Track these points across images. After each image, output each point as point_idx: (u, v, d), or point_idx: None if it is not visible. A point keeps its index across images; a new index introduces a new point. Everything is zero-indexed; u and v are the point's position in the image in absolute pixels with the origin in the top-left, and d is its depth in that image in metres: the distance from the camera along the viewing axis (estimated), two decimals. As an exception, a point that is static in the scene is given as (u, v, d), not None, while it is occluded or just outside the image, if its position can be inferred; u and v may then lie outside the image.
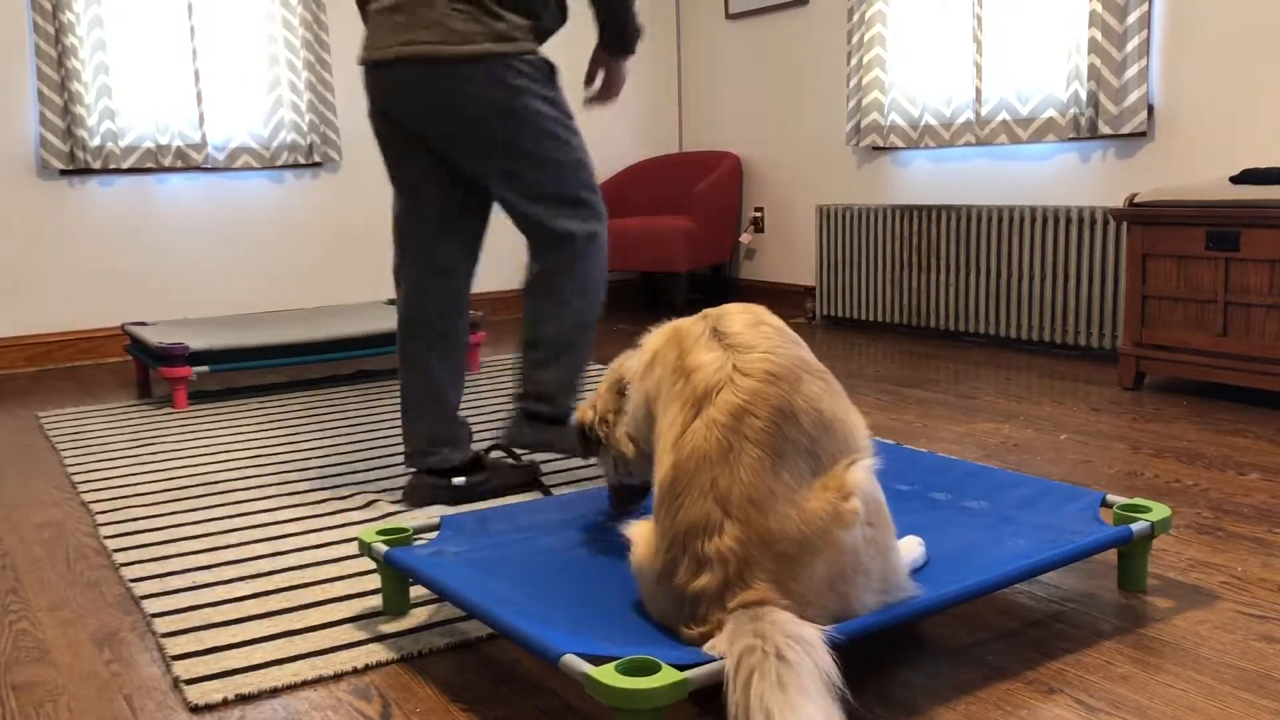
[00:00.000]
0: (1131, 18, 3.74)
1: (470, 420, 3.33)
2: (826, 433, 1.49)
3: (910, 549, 1.73)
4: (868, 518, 1.47)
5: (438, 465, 2.47)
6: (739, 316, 1.60)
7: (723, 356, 1.53)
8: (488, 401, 3.60)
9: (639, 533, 1.59)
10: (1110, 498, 1.94)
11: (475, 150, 2.36)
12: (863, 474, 1.49)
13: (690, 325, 1.64)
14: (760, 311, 1.64)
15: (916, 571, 1.71)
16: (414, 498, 2.48)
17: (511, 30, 2.31)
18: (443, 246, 2.48)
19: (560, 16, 2.45)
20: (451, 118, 2.33)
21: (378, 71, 2.36)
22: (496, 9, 2.30)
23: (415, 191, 2.46)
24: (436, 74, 2.28)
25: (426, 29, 2.27)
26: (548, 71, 2.40)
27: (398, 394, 3.77)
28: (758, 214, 5.54)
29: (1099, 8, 3.79)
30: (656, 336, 1.71)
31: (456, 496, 2.48)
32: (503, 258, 5.60)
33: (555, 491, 2.55)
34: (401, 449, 3.01)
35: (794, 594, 1.43)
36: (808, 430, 1.47)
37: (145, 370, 3.97)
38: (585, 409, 1.91)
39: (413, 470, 2.52)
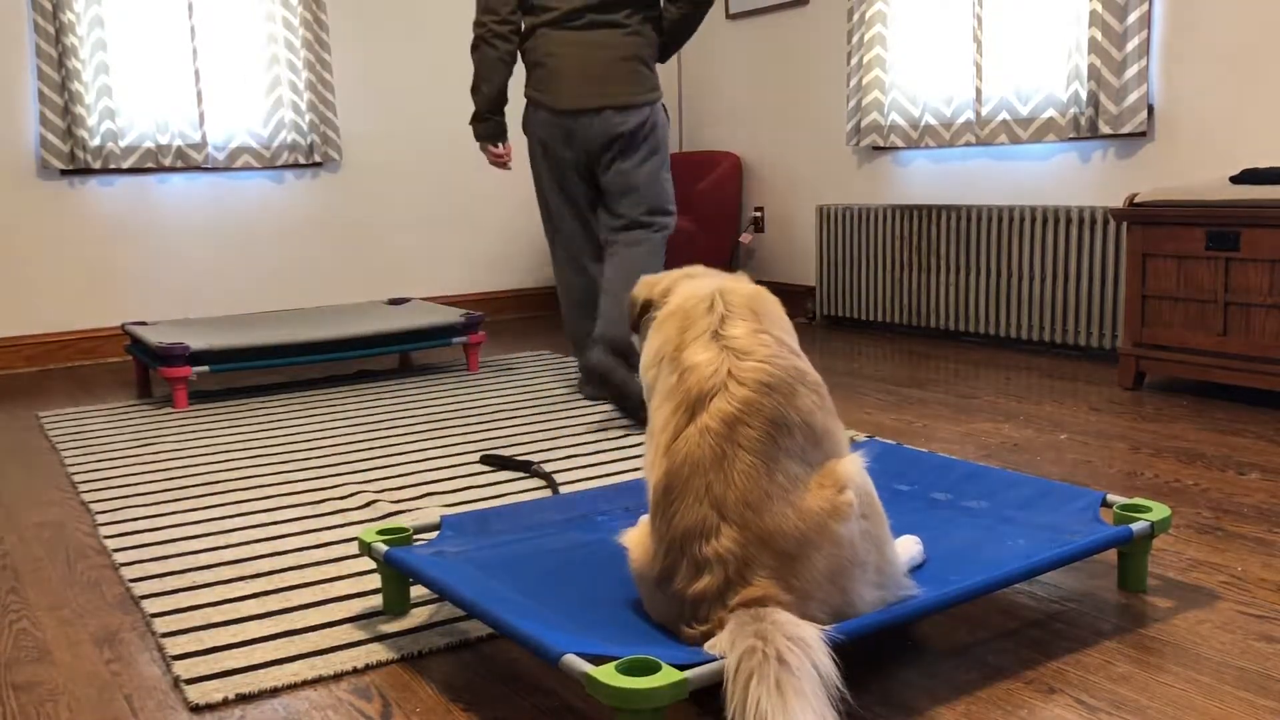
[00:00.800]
0: (1131, 18, 3.74)
1: (471, 420, 3.34)
2: (816, 447, 1.50)
3: (907, 548, 1.73)
4: (861, 510, 1.48)
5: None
6: (742, 323, 1.56)
7: (718, 358, 1.52)
8: (489, 401, 3.60)
9: (634, 539, 1.59)
10: (1110, 498, 1.94)
11: (627, 165, 3.33)
12: (854, 467, 1.51)
13: (697, 307, 1.60)
14: (767, 314, 1.62)
15: (915, 570, 1.71)
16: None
17: (657, 82, 3.37)
18: (587, 236, 3.50)
19: None
20: (623, 142, 3.31)
21: (572, 116, 3.31)
22: (652, 69, 3.35)
23: (573, 204, 3.46)
24: (624, 114, 3.29)
25: (616, 84, 3.28)
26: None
27: (398, 393, 3.78)
28: (758, 214, 5.54)
29: (1099, 8, 3.79)
30: (672, 290, 1.69)
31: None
32: (500, 260, 5.61)
33: (555, 491, 2.55)
34: (401, 449, 3.02)
35: (795, 590, 1.43)
36: (800, 442, 1.48)
37: (145, 370, 3.97)
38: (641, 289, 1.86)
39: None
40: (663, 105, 3.41)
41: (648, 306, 1.78)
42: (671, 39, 3.42)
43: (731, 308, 1.60)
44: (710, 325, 1.57)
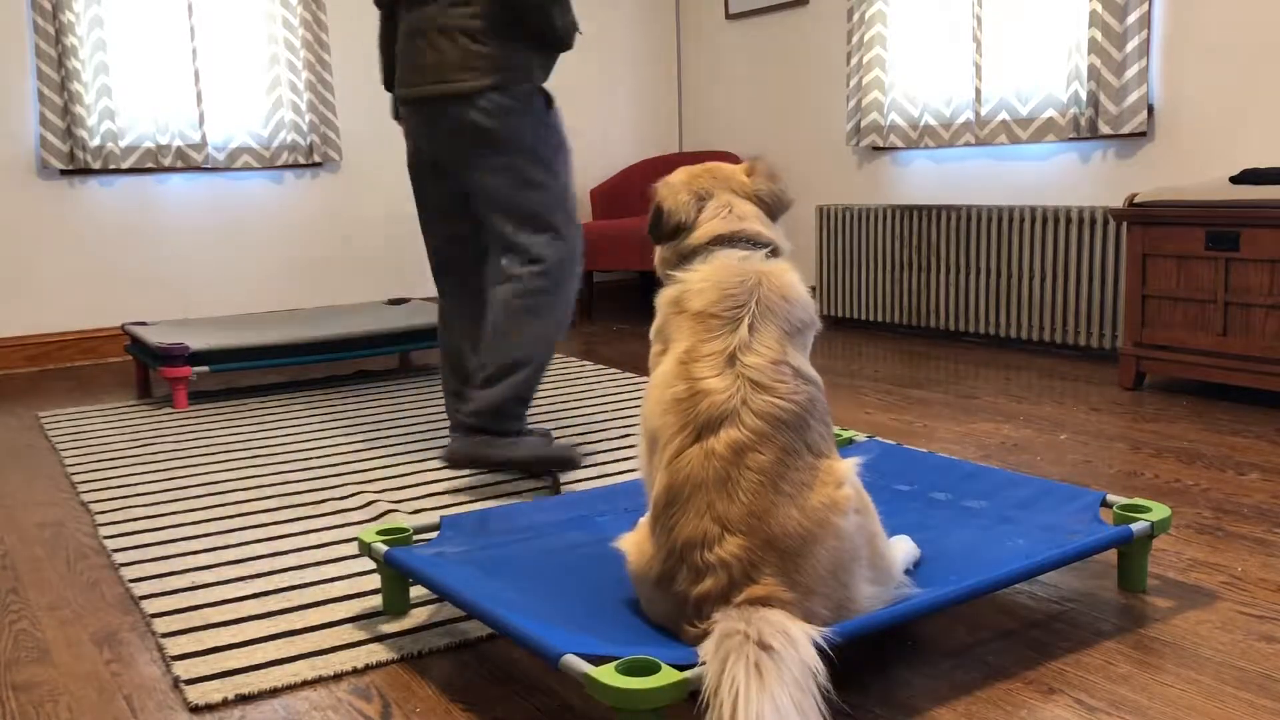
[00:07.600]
0: (1131, 18, 3.74)
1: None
2: (820, 460, 1.53)
3: (901, 547, 1.73)
4: (855, 504, 1.51)
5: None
6: (765, 349, 1.53)
7: (733, 385, 1.50)
8: (488, 401, 3.60)
9: (631, 543, 1.60)
10: (1110, 498, 1.94)
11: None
12: (848, 463, 1.54)
13: (722, 315, 1.57)
14: (794, 327, 1.59)
15: (911, 569, 1.71)
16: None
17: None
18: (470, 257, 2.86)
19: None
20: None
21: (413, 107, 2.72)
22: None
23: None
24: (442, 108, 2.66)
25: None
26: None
27: (398, 393, 3.77)
28: (758, 214, 5.53)
29: (1099, 8, 3.79)
30: (697, 282, 1.61)
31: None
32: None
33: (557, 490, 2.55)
34: (401, 449, 3.01)
35: (799, 586, 1.44)
36: (807, 459, 1.50)
37: (145, 370, 3.97)
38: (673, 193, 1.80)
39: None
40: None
41: (678, 230, 1.72)
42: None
43: (759, 324, 1.56)
44: (729, 347, 1.53)
